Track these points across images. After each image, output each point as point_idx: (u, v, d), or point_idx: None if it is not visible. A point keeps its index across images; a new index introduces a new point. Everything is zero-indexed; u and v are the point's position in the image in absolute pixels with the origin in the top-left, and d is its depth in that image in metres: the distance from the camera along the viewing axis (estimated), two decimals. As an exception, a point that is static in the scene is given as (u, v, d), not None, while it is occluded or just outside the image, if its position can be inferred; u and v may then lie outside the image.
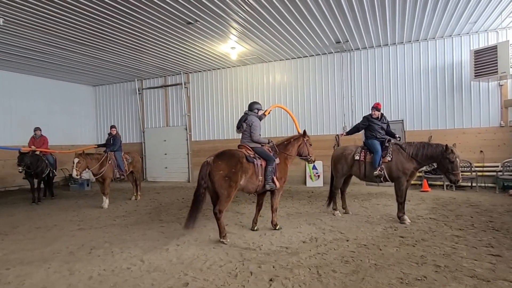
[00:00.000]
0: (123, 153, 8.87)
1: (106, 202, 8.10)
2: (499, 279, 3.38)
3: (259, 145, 5.37)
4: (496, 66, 8.18)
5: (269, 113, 6.06)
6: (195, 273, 3.79)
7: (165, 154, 13.58)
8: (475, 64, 8.66)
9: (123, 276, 3.77)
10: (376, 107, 6.33)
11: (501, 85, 9.06)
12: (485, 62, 8.42)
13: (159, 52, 10.22)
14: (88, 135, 14.77)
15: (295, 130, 5.74)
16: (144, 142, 14.05)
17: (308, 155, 5.75)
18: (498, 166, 8.81)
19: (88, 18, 7.38)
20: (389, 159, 5.90)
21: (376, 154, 6.00)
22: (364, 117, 6.49)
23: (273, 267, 3.89)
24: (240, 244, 4.79)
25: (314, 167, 10.75)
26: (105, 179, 8.17)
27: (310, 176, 10.44)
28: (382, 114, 6.39)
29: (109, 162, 8.27)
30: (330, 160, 6.83)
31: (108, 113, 14.93)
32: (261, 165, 5.16)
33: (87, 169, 8.07)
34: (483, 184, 9.00)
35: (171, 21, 7.79)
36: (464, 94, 9.50)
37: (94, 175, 8.18)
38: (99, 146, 9.42)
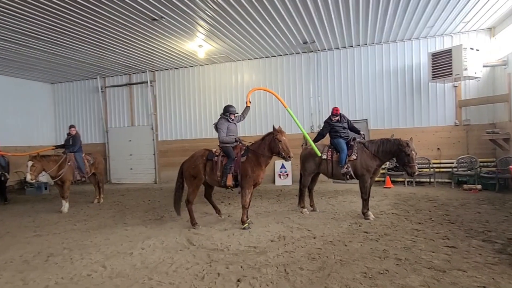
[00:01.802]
0: (84, 154, 8.43)
1: (65, 206, 7.68)
2: (454, 269, 3.58)
3: (228, 145, 5.64)
4: (451, 68, 8.69)
5: (250, 102, 6.04)
6: (160, 277, 3.68)
7: (130, 154, 13.10)
8: (432, 66, 9.14)
9: (83, 284, 3.58)
10: (335, 114, 6.52)
11: (456, 86, 9.64)
12: (441, 64, 8.92)
13: (123, 49, 9.83)
14: (46, 136, 13.88)
15: (270, 128, 5.70)
16: (107, 143, 13.46)
17: (279, 152, 5.35)
18: (453, 163, 9.38)
19: (46, 11, 6.92)
20: (355, 157, 6.10)
21: (342, 152, 6.19)
22: (325, 122, 6.69)
23: (241, 267, 3.87)
24: (208, 245, 4.73)
25: (282, 166, 10.87)
26: (64, 182, 7.75)
27: None
28: (341, 115, 6.59)
29: (69, 163, 7.85)
30: (298, 159, 6.93)
31: (67, 112, 14.13)
32: (221, 162, 5.60)
33: (43, 172, 7.64)
34: (440, 180, 9.54)
35: (135, 17, 7.51)
36: (422, 94, 9.99)
37: (52, 178, 7.75)
38: (57, 147, 8.90)
